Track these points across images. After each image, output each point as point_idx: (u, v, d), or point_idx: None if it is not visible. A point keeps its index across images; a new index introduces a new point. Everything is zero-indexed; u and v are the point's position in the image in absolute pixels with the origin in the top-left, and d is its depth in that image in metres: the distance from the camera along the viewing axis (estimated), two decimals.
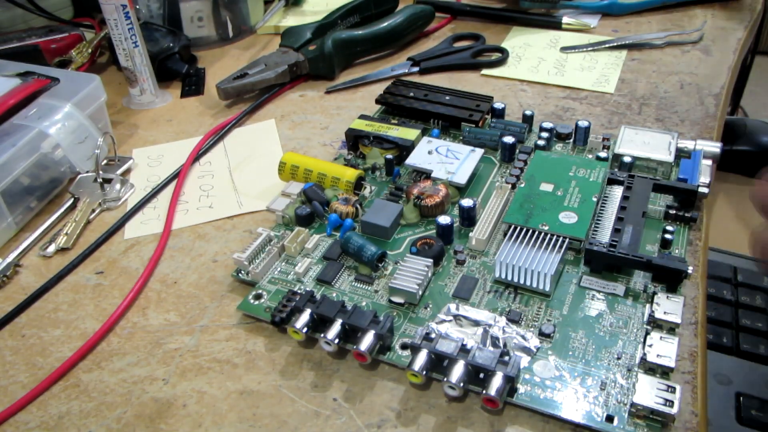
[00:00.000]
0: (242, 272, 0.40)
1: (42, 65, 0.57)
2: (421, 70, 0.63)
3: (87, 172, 0.51)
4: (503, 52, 0.64)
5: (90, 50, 0.67)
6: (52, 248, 0.45)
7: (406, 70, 0.63)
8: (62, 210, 0.48)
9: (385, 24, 0.66)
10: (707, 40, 0.65)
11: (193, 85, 0.65)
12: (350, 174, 0.46)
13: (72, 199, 0.49)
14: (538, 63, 0.63)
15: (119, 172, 0.52)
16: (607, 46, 0.65)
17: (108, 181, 0.50)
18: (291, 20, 0.75)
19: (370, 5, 0.70)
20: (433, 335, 0.34)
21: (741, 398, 0.59)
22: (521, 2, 0.71)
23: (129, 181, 0.52)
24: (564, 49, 0.65)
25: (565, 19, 0.69)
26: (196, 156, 0.53)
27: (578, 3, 0.72)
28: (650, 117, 0.54)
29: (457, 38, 0.69)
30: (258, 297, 0.39)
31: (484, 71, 0.63)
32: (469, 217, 0.42)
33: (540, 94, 0.58)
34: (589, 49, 0.65)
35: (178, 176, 0.51)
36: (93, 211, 0.48)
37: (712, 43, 0.65)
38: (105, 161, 0.53)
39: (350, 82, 0.62)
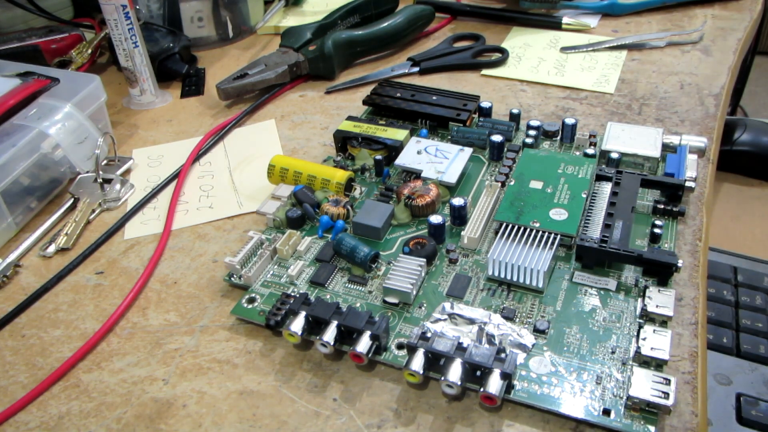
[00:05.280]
0: (234, 276, 0.40)
1: (42, 65, 0.57)
2: (421, 71, 0.63)
3: (87, 172, 0.51)
4: (503, 52, 0.64)
5: (90, 50, 0.67)
6: (52, 248, 0.45)
7: (406, 70, 0.63)
8: (62, 210, 0.48)
9: (385, 24, 0.66)
10: (707, 40, 0.65)
11: (193, 86, 0.65)
12: (340, 175, 0.45)
13: (72, 200, 0.49)
14: (538, 63, 0.63)
15: (119, 172, 0.52)
16: (607, 46, 0.65)
17: (108, 181, 0.50)
18: (291, 20, 0.75)
19: (370, 5, 0.70)
20: (429, 334, 0.34)
21: (741, 398, 0.59)
22: (521, 2, 0.71)
23: (129, 181, 0.52)
24: (564, 49, 0.65)
25: (565, 20, 0.69)
26: (196, 156, 0.53)
27: (578, 3, 0.72)
28: (650, 117, 0.54)
29: (457, 38, 0.69)
30: (251, 301, 0.38)
31: (484, 71, 0.63)
32: (460, 216, 0.43)
33: (540, 95, 0.58)
34: (589, 49, 0.65)
35: (178, 176, 0.51)
36: (93, 211, 0.48)
37: (712, 43, 0.65)
38: (105, 161, 0.53)
39: (350, 83, 0.62)
